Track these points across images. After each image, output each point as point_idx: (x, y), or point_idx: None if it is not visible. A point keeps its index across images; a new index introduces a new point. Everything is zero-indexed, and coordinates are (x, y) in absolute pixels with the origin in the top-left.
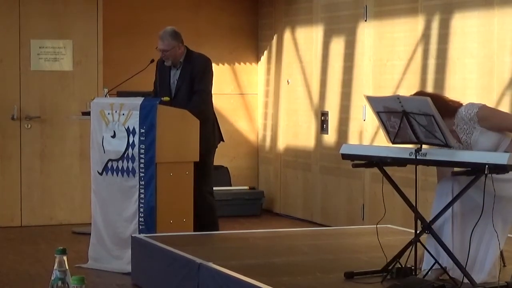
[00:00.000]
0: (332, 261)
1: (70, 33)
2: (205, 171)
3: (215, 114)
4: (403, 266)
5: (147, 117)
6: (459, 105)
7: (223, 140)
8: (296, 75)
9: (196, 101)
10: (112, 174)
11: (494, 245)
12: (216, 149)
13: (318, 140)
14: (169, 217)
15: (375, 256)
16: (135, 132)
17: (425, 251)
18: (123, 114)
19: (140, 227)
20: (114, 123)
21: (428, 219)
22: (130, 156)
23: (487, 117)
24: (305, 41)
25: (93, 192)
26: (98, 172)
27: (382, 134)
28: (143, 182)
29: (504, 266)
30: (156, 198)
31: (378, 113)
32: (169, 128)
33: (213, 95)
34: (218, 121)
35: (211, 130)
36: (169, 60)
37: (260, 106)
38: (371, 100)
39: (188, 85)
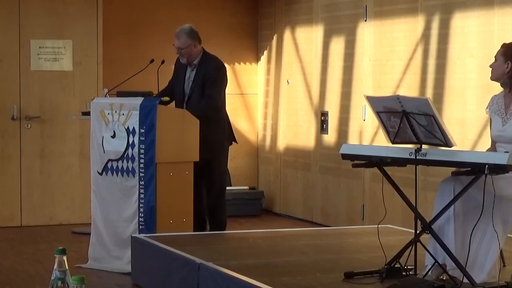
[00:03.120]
0: (332, 261)
1: (70, 33)
2: (214, 174)
3: (227, 116)
4: (394, 266)
5: (147, 117)
6: None
7: (235, 141)
8: (296, 75)
9: (203, 105)
10: (112, 174)
11: (495, 245)
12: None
13: (318, 140)
14: (169, 217)
15: (375, 256)
16: (135, 132)
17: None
18: (123, 114)
19: (140, 227)
20: (114, 123)
21: (429, 219)
22: (130, 156)
23: None
24: (305, 41)
25: (93, 192)
26: (98, 172)
27: (382, 134)
28: (143, 182)
29: (504, 266)
30: (156, 198)
31: (378, 113)
32: (169, 128)
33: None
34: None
35: (220, 133)
36: (185, 58)
37: (260, 106)
38: (371, 100)
39: (201, 88)
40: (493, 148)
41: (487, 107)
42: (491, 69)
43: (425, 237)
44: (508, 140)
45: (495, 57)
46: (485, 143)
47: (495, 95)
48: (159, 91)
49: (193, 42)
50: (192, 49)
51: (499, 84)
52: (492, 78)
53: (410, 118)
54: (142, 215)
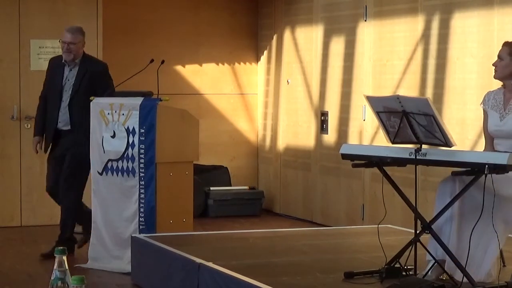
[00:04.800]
0: (332, 261)
1: None
2: (86, 175)
3: None
4: (394, 266)
5: (147, 117)
6: None
7: None
8: (296, 75)
9: None
10: (112, 174)
11: (494, 245)
12: (211, 149)
13: (318, 140)
14: (169, 217)
15: (375, 256)
16: (135, 132)
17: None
18: (123, 114)
19: (140, 227)
20: (114, 123)
21: (429, 219)
22: (130, 156)
23: None
24: (305, 41)
25: (93, 192)
26: (98, 172)
27: (382, 134)
28: (143, 182)
29: (504, 266)
30: (156, 198)
31: (378, 113)
32: (169, 128)
33: (211, 95)
34: (218, 121)
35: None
36: (72, 55)
37: (260, 106)
38: (371, 100)
39: (87, 87)
40: (488, 145)
41: (481, 103)
42: (494, 67)
43: (425, 237)
44: (505, 135)
45: (499, 56)
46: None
47: (491, 91)
48: (41, 96)
49: (82, 40)
50: (80, 47)
51: (498, 85)
52: (497, 77)
53: (410, 118)
54: (143, 215)
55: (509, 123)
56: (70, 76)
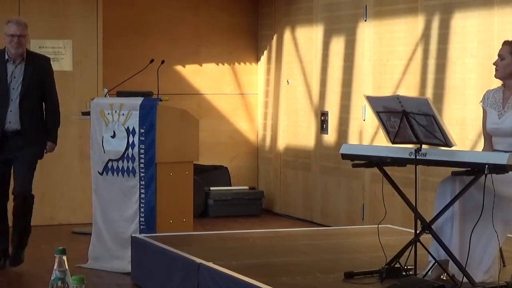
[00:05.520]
0: (332, 261)
1: (70, 33)
2: (33, 172)
3: None
4: (394, 265)
5: (147, 117)
6: None
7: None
8: (296, 75)
9: (57, 118)
10: (113, 174)
11: (493, 245)
12: (211, 149)
13: (318, 140)
14: (169, 217)
15: (375, 256)
16: (135, 132)
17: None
18: (123, 114)
19: (141, 227)
20: (114, 123)
21: (429, 219)
22: (130, 156)
23: None
24: (305, 41)
25: (94, 192)
26: (98, 172)
27: (382, 134)
28: (143, 182)
29: (504, 266)
30: (156, 198)
31: (377, 113)
32: (169, 128)
33: (211, 95)
34: (218, 121)
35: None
36: (20, 48)
37: (260, 106)
38: (371, 100)
39: (39, 84)
40: (487, 144)
41: (481, 101)
42: (494, 67)
43: (425, 237)
44: (503, 133)
45: (500, 55)
46: None
47: (490, 90)
48: None
49: (28, 34)
50: (27, 40)
51: (498, 84)
52: (498, 76)
53: (410, 118)
54: (143, 215)
55: (507, 121)
56: (16, 72)
